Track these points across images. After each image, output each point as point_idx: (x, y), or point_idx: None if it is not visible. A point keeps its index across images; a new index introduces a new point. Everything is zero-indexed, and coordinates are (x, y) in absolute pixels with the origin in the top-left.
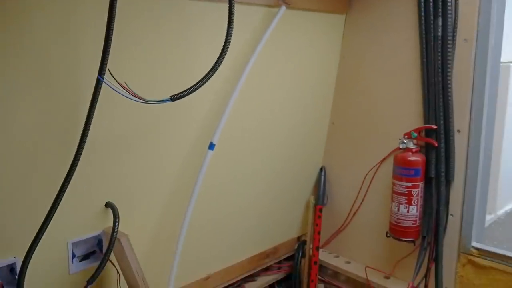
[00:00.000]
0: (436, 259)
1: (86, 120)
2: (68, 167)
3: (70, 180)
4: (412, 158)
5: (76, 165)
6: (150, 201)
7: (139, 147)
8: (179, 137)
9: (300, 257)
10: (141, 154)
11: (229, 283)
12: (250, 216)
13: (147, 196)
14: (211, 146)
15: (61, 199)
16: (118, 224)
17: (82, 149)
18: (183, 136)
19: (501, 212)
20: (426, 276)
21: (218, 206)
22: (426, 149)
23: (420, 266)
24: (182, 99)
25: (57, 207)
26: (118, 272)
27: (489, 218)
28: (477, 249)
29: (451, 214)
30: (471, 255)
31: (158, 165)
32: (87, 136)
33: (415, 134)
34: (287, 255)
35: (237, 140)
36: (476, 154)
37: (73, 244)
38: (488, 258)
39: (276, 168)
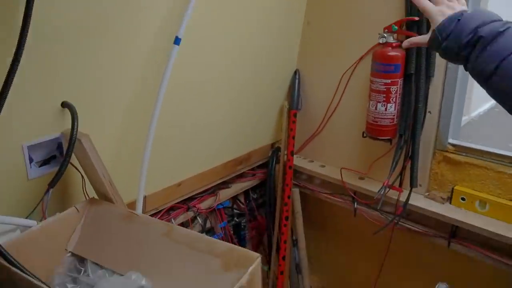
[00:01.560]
0: (412, 157)
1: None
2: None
3: (13, 74)
4: (392, 53)
5: (20, 56)
6: (113, 100)
7: (98, 38)
8: (143, 27)
9: (274, 163)
10: (101, 46)
11: (202, 189)
12: (223, 122)
13: (109, 95)
14: (177, 41)
15: (5, 96)
16: (77, 124)
17: (25, 38)
18: (147, 26)
19: (474, 114)
20: (401, 174)
21: (188, 110)
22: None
23: (396, 164)
24: None
25: (2, 104)
26: (82, 177)
27: (463, 119)
28: (454, 145)
29: (429, 112)
30: (447, 151)
31: (120, 60)
32: (29, 24)
33: (396, 27)
34: (261, 162)
35: (207, 37)
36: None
37: (29, 147)
38: (464, 154)
39: (249, 72)
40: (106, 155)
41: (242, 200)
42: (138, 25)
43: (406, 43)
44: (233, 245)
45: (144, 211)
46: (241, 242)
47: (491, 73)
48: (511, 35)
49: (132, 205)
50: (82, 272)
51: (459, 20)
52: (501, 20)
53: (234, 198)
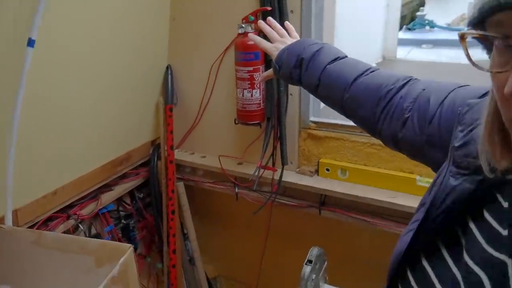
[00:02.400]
0: (281, 138)
1: None
2: None
3: None
4: (251, 42)
5: None
6: None
7: None
8: None
9: (156, 160)
10: None
11: (81, 195)
12: (97, 122)
13: None
14: (31, 43)
15: None
16: None
17: None
18: None
19: None
20: (273, 155)
21: (56, 114)
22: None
23: (266, 146)
24: None
25: None
26: None
27: None
28: (315, 122)
29: (291, 94)
30: (310, 128)
31: None
32: None
33: (252, 18)
34: (142, 161)
35: (68, 38)
36: (308, 35)
37: None
38: (324, 129)
39: (120, 71)
40: None
41: (128, 201)
42: None
43: (260, 79)
44: (105, 240)
45: (17, 226)
46: (132, 244)
47: (316, 84)
48: (325, 52)
49: (1, 221)
50: None
51: (288, 50)
52: (318, 43)
53: (119, 200)
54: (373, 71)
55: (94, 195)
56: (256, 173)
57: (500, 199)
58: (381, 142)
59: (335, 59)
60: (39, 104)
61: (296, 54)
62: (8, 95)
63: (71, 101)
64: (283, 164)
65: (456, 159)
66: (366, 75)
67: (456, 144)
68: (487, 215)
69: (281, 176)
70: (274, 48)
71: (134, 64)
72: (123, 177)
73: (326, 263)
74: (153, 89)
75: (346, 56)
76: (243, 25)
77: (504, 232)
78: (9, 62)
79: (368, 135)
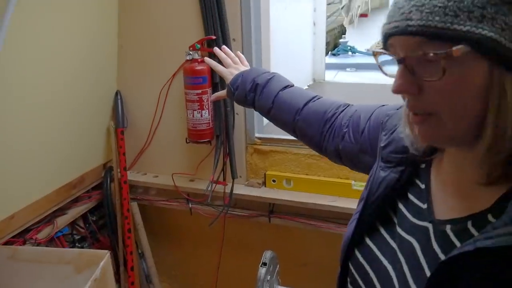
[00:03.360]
0: (230, 153)
1: None
2: None
3: None
4: (199, 67)
5: None
6: None
7: None
8: None
9: (109, 182)
10: None
11: (37, 219)
12: (50, 148)
13: None
14: None
15: None
16: None
17: None
18: None
19: None
20: (223, 170)
21: (9, 139)
22: (209, 58)
23: (217, 162)
24: None
25: None
26: None
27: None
28: (260, 138)
29: (237, 113)
30: (256, 144)
31: None
32: None
33: (199, 46)
34: (95, 183)
35: (18, 64)
36: (250, 60)
37: None
38: (268, 144)
39: (70, 97)
40: None
41: (82, 224)
42: None
43: (213, 98)
44: (82, 249)
45: None
46: None
47: (270, 107)
48: (276, 80)
49: None
50: None
51: (242, 75)
52: (269, 72)
53: (73, 224)
54: (318, 98)
55: (49, 219)
56: (209, 188)
57: (418, 182)
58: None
59: (286, 87)
60: None
61: (251, 80)
62: None
63: (23, 125)
64: (233, 178)
65: (383, 156)
66: (313, 101)
67: (382, 145)
68: (410, 196)
69: (232, 189)
70: (228, 72)
71: (84, 90)
72: (76, 200)
73: (278, 266)
74: (104, 114)
75: (294, 85)
76: (191, 52)
77: (424, 206)
78: None
79: (308, 147)
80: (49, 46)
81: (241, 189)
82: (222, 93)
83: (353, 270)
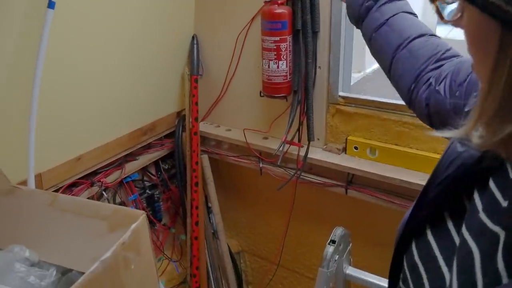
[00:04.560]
0: (308, 112)
1: None
2: None
3: None
4: (279, 10)
5: None
6: None
7: None
8: None
9: (181, 131)
10: None
11: (105, 162)
12: (124, 90)
13: None
14: (51, 4)
15: None
16: None
17: None
18: None
19: (369, 70)
20: (299, 130)
21: (80, 79)
22: (292, 0)
23: (292, 120)
24: None
25: None
26: None
27: (359, 75)
28: (344, 97)
29: (319, 67)
30: (339, 104)
31: None
32: None
33: None
34: (167, 132)
35: (89, 3)
36: (339, 4)
37: None
38: (353, 105)
39: (145, 39)
40: None
41: (153, 171)
42: None
43: None
44: (119, 206)
45: (41, 189)
46: (157, 214)
47: (382, 23)
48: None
49: (25, 183)
50: None
51: None
52: None
53: (144, 170)
54: (437, 37)
55: (119, 164)
56: (281, 148)
57: (509, 169)
58: (413, 121)
59: (410, 13)
60: (62, 68)
61: None
62: (29, 58)
63: (96, 67)
64: (309, 140)
65: None
66: (429, 36)
67: (467, 109)
68: (491, 184)
69: (306, 152)
70: None
71: (160, 34)
72: (148, 147)
73: (350, 245)
74: (179, 59)
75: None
76: None
77: (504, 204)
78: (29, 25)
79: (400, 112)
80: None
81: (317, 154)
82: None
83: (406, 268)
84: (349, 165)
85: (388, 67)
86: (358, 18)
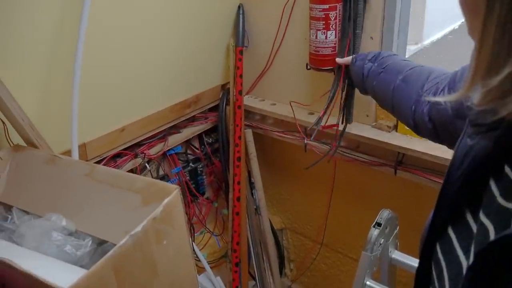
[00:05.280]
0: (349, 90)
1: None
2: None
3: None
4: None
5: None
6: (29, 44)
7: None
8: None
9: (224, 105)
10: None
11: (148, 134)
12: (166, 62)
13: (24, 39)
14: None
15: None
16: None
17: None
18: None
19: (427, 41)
20: (344, 108)
21: (124, 52)
22: None
23: (333, 95)
24: None
25: None
26: (4, 124)
27: (415, 47)
28: None
29: (371, 37)
30: None
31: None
32: None
33: None
34: (212, 105)
35: None
36: None
37: None
38: None
39: (191, 10)
40: (32, 102)
41: (197, 145)
42: None
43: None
44: (154, 179)
45: (85, 159)
46: (200, 188)
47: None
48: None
49: (69, 153)
50: (9, 219)
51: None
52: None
53: (187, 143)
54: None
55: (162, 136)
56: (318, 123)
57: None
58: None
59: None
60: (106, 40)
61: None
62: (72, 25)
63: (141, 40)
64: (347, 120)
65: (471, 118)
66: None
67: (468, 104)
68: (507, 169)
69: (343, 130)
70: None
71: (205, 3)
72: (192, 120)
73: (398, 228)
74: (224, 30)
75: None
76: None
77: None
78: None
79: None
80: None
81: (366, 131)
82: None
83: (433, 268)
84: (399, 144)
85: (390, 102)
86: (362, 83)
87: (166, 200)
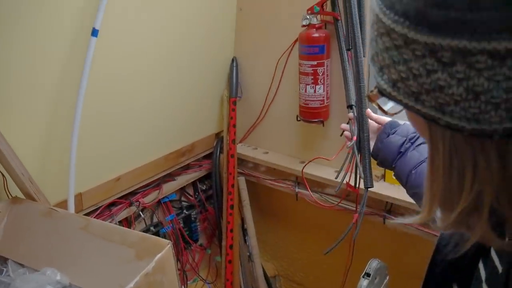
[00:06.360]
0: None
1: None
2: None
3: None
4: (316, 34)
5: None
6: (31, 98)
7: (9, 31)
8: (59, 19)
9: (218, 153)
10: (12, 40)
11: (144, 183)
12: (162, 112)
13: (26, 93)
14: (94, 32)
15: None
16: None
17: None
18: (63, 18)
19: None
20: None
21: (120, 103)
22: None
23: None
24: None
25: None
26: (3, 176)
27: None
28: None
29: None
30: None
31: (35, 55)
32: None
33: (318, 8)
34: (206, 153)
35: (133, 27)
36: None
37: None
38: None
39: (185, 62)
40: (32, 154)
41: (191, 192)
42: (53, 17)
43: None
44: (146, 234)
45: (81, 209)
46: (193, 234)
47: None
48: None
49: (65, 203)
50: (4, 272)
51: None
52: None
53: (182, 190)
54: None
55: (157, 184)
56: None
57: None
58: None
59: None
60: (104, 95)
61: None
62: (72, 83)
63: (137, 91)
64: (366, 187)
65: None
66: None
67: None
68: (492, 252)
69: (363, 203)
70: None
71: (200, 55)
72: (187, 168)
73: (387, 278)
74: (219, 82)
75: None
76: (308, 16)
77: (500, 270)
78: (73, 51)
79: None
80: (164, 8)
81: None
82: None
83: None
84: (387, 193)
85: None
86: (392, 162)
87: (158, 256)
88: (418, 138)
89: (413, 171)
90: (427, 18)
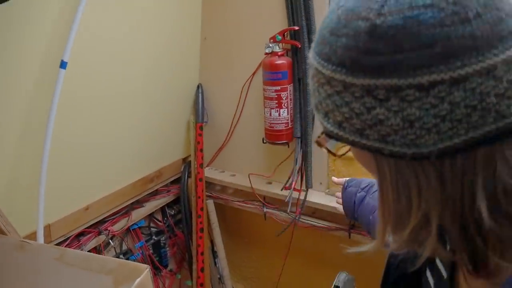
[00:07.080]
0: (305, 160)
1: None
2: None
3: None
4: (279, 61)
5: None
6: None
7: None
8: (25, 55)
9: (186, 178)
10: None
11: (113, 211)
12: (128, 140)
13: None
14: (63, 65)
15: None
16: None
17: None
18: (31, 52)
19: None
20: (301, 176)
21: (87, 132)
22: (292, 51)
23: (296, 166)
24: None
25: None
26: None
27: None
28: None
29: None
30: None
31: (3, 89)
32: None
33: (280, 37)
34: (173, 178)
35: (102, 57)
36: None
37: None
38: None
39: (152, 89)
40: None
41: (159, 217)
42: (21, 52)
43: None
44: (124, 260)
45: (50, 240)
46: (163, 260)
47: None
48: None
49: (34, 235)
50: None
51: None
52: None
53: (150, 216)
54: None
55: (125, 211)
56: (290, 196)
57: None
58: None
59: None
60: (70, 123)
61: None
62: (40, 114)
63: (104, 120)
64: (307, 187)
65: None
66: None
67: None
68: (437, 259)
69: (304, 198)
70: None
71: (166, 83)
72: (155, 193)
73: None
74: (185, 108)
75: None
76: (270, 45)
77: (445, 274)
78: (41, 84)
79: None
80: (131, 37)
81: (320, 198)
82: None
83: None
84: None
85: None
86: (353, 212)
87: (137, 280)
88: (371, 187)
89: (370, 217)
90: (360, 64)
